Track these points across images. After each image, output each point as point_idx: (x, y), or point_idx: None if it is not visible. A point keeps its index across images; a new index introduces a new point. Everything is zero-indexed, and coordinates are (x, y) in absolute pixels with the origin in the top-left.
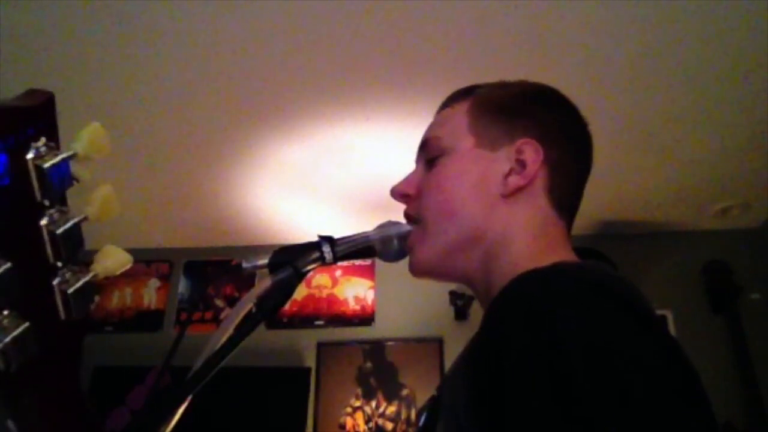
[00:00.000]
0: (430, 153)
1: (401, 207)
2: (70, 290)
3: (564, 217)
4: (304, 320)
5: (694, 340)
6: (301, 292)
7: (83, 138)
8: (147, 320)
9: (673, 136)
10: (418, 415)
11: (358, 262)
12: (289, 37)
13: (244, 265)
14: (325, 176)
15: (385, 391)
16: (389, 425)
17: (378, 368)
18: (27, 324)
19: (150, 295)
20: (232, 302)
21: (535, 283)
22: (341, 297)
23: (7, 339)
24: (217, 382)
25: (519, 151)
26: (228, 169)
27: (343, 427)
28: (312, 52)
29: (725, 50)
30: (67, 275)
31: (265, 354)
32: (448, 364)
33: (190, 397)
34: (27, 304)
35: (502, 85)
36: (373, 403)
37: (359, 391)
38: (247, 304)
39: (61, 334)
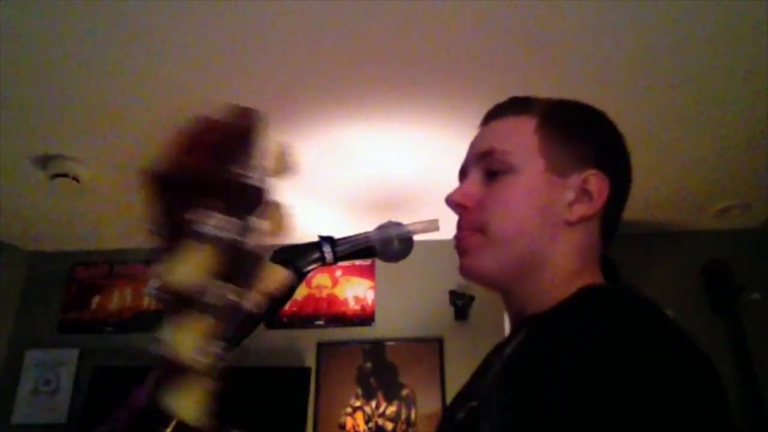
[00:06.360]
0: (494, 166)
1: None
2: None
3: (606, 242)
4: (304, 320)
5: None
6: (301, 292)
7: (272, 157)
8: (147, 320)
9: (673, 136)
10: (449, 415)
11: (358, 262)
12: (289, 37)
13: None
14: (325, 176)
15: (385, 391)
16: (389, 425)
17: (378, 368)
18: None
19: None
20: None
21: (602, 315)
22: (341, 297)
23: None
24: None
25: (585, 181)
26: None
27: (343, 427)
28: (312, 52)
29: (725, 50)
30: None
31: (265, 354)
32: (448, 364)
33: None
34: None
35: (566, 107)
36: (373, 403)
37: (359, 391)
38: None
39: None
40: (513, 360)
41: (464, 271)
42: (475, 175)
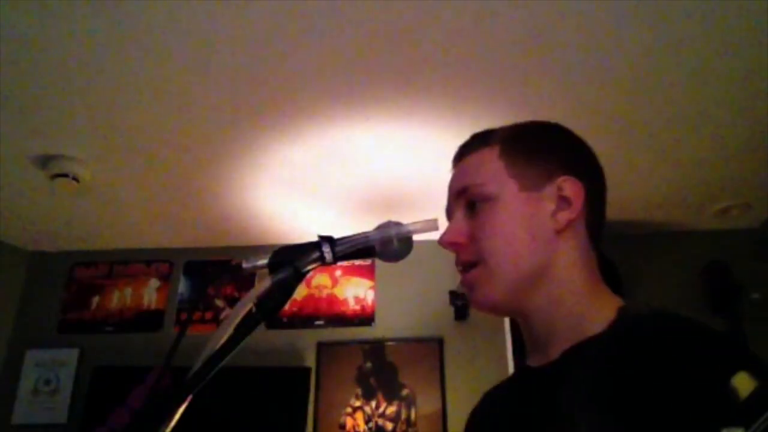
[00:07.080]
0: (473, 199)
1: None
2: None
3: (596, 246)
4: (304, 320)
5: None
6: (301, 292)
7: None
8: (147, 320)
9: (673, 136)
10: None
11: (358, 262)
12: (289, 37)
13: (244, 265)
14: (325, 176)
15: (385, 391)
16: (389, 425)
17: (378, 368)
18: None
19: (150, 295)
20: (232, 302)
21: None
22: (341, 297)
23: None
24: (218, 381)
25: (560, 189)
26: (228, 169)
27: (343, 427)
28: (312, 52)
29: (725, 50)
30: None
31: (265, 354)
32: (448, 364)
33: (190, 397)
34: None
35: (521, 128)
36: (373, 403)
37: (359, 391)
38: (247, 304)
39: None
40: (602, 403)
41: (476, 305)
42: (460, 212)
